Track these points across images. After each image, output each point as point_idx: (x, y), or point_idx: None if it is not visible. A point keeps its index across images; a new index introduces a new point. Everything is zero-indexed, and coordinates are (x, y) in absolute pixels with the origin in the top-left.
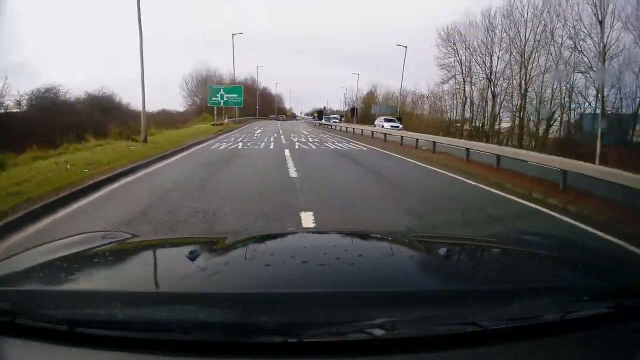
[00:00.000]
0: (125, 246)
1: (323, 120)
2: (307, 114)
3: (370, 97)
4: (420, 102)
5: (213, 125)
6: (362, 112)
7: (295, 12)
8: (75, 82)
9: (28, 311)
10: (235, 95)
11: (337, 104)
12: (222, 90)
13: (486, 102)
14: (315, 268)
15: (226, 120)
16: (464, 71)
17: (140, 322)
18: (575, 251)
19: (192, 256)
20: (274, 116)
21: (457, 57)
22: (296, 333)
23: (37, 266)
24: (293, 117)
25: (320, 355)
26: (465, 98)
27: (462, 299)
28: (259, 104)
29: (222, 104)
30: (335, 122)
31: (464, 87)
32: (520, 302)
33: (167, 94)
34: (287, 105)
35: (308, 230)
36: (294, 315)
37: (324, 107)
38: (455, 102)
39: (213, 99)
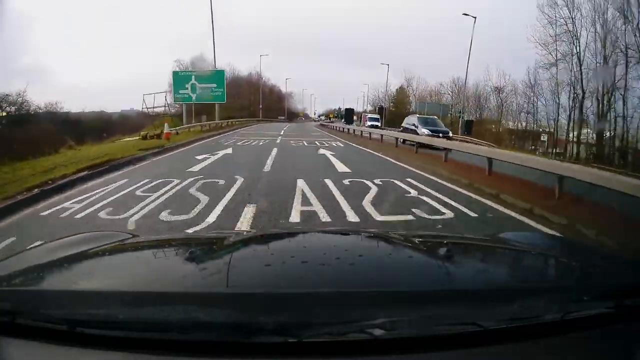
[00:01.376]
0: (125, 246)
1: (381, 126)
2: (321, 115)
3: (402, 94)
4: (482, 98)
5: (142, 139)
6: (390, 112)
7: (302, 10)
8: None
9: (28, 311)
10: (214, 86)
11: (354, 105)
12: (193, 78)
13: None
14: (315, 268)
15: (167, 130)
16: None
17: (140, 322)
18: (575, 251)
19: (192, 256)
20: (283, 117)
21: (572, 27)
22: (296, 333)
23: (37, 266)
24: (305, 118)
25: (320, 355)
26: (583, 91)
27: (462, 299)
28: (263, 103)
29: (193, 98)
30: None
31: (580, 73)
32: (520, 302)
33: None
34: (299, 106)
35: (308, 230)
36: (294, 315)
37: (339, 108)
38: (556, 95)
39: (180, 92)
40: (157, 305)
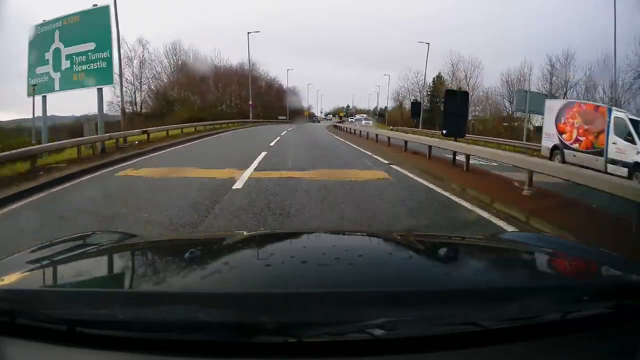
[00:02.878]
0: (125, 246)
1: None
2: (328, 114)
3: (442, 86)
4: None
5: None
6: (424, 108)
7: (304, 10)
8: None
9: (28, 311)
10: (91, 48)
11: (365, 103)
12: (56, 35)
13: None
14: (315, 268)
15: None
16: None
17: (140, 322)
18: (575, 251)
19: (192, 256)
20: (284, 117)
21: None
22: (296, 333)
23: (37, 266)
24: (312, 117)
25: (320, 355)
26: None
27: (462, 299)
28: (254, 99)
29: (56, 83)
30: None
31: None
32: (520, 302)
33: None
34: (304, 104)
35: (308, 231)
36: (294, 315)
37: (348, 106)
38: None
39: (38, 71)
40: (157, 305)
